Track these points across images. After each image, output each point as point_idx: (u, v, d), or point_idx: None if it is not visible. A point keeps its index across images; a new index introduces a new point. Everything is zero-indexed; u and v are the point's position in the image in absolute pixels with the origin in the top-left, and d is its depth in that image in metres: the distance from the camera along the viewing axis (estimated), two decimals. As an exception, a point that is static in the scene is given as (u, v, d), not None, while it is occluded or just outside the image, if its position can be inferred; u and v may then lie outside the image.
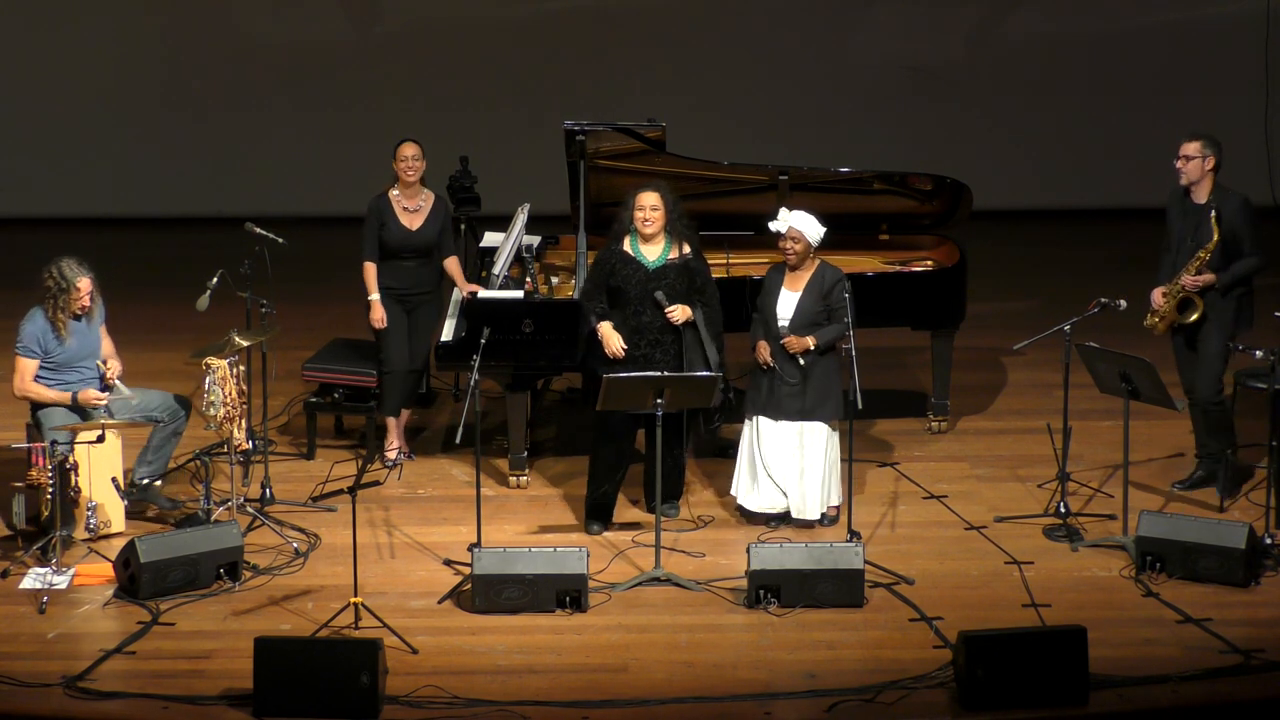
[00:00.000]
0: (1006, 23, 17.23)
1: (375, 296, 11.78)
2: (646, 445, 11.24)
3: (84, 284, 11.03)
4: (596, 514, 11.20)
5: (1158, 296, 11.34)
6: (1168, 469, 11.83)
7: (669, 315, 10.89)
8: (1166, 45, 17.18)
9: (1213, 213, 11.10)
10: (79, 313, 11.08)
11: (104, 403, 10.99)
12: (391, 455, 11.98)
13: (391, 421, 12.03)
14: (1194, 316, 11.19)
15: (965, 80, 17.24)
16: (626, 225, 11.05)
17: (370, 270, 11.79)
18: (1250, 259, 11.22)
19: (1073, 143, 17.20)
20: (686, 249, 11.04)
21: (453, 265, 12.01)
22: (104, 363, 11.16)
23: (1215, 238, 11.09)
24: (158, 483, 11.28)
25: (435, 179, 13.02)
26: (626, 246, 11.01)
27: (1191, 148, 11.26)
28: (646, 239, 10.99)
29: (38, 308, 11.10)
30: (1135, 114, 17.06)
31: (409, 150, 11.77)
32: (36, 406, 11.07)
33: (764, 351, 10.99)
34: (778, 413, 11.04)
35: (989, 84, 17.24)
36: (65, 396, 11.02)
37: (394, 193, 11.79)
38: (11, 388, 11.11)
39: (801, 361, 10.94)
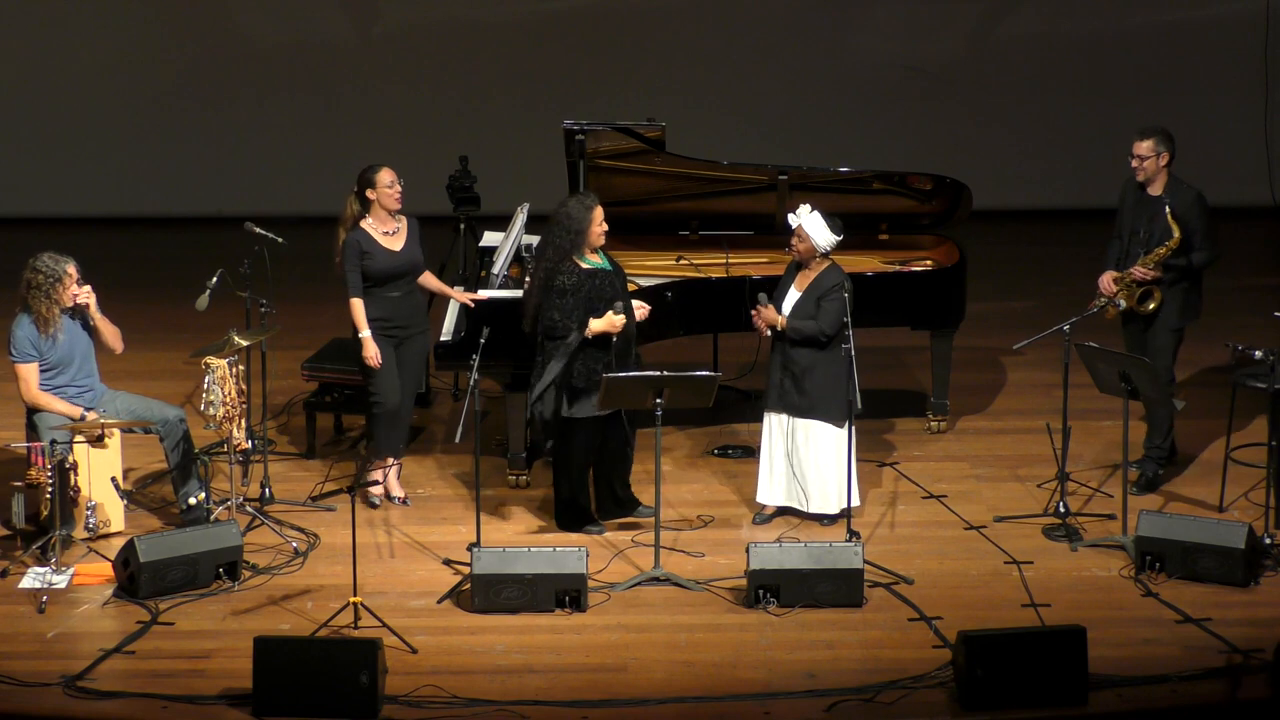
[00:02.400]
0: (1006, 22, 17.23)
1: (366, 334, 11.26)
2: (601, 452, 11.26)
3: (73, 269, 10.97)
4: (581, 519, 11.22)
5: (1107, 282, 11.41)
6: (1167, 469, 11.82)
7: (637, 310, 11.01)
8: (1166, 45, 17.18)
9: (1168, 210, 11.15)
10: (70, 304, 11.02)
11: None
12: (377, 492, 11.53)
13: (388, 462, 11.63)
14: (1152, 306, 11.24)
15: (965, 80, 17.24)
16: (580, 242, 10.92)
17: (358, 307, 11.27)
18: (1201, 253, 11.27)
19: (1073, 142, 17.20)
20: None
21: (430, 279, 11.54)
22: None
23: (1176, 235, 11.14)
24: (200, 495, 11.21)
25: (436, 178, 13.05)
26: (581, 262, 10.93)
27: (1144, 147, 11.37)
28: (595, 250, 11.00)
29: (22, 313, 11.04)
30: (1135, 113, 16.93)
31: (389, 176, 11.28)
32: (33, 409, 11.05)
33: (769, 315, 11.01)
34: (781, 407, 11.07)
35: (989, 84, 17.25)
36: (74, 410, 10.98)
37: (367, 221, 11.30)
38: (19, 393, 11.05)
39: (766, 332, 10.99)
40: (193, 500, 11.14)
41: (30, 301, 11.00)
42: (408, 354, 11.41)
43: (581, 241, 10.90)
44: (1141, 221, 11.38)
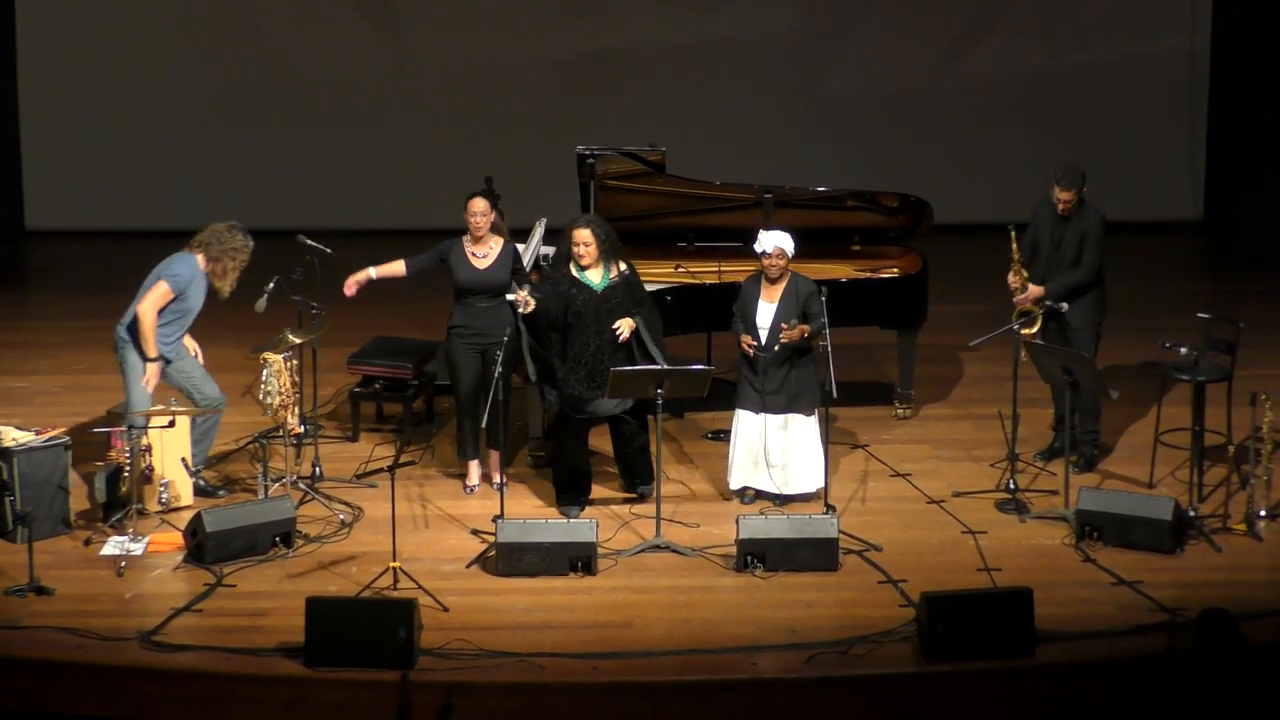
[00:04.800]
0: (965, 59, 17.22)
1: (370, 271, 11.24)
2: (614, 437, 11.21)
3: (247, 258, 11.08)
4: (572, 489, 11.10)
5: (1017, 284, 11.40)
6: (1103, 449, 11.84)
7: (618, 334, 10.77)
8: (1107, 79, 17.18)
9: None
10: (229, 277, 11.04)
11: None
12: (473, 483, 11.39)
13: (473, 465, 11.41)
14: (1036, 327, 11.19)
15: (928, 109, 17.24)
16: (566, 252, 10.93)
17: (395, 264, 11.26)
18: (1082, 270, 11.26)
19: (1023, 163, 17.18)
20: (622, 266, 10.94)
21: None
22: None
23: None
24: (201, 469, 11.27)
25: (463, 195, 13.03)
26: (573, 271, 10.89)
27: (1067, 195, 11.25)
28: (584, 267, 10.92)
29: (196, 254, 11.03)
30: (1078, 138, 17.04)
31: (477, 206, 11.14)
32: (139, 321, 10.95)
33: (748, 340, 10.95)
34: (761, 407, 10.99)
35: (949, 112, 17.24)
36: (153, 353, 10.90)
37: (466, 237, 11.19)
38: (143, 305, 10.94)
39: (775, 348, 10.90)
40: (197, 468, 11.13)
41: (217, 253, 10.98)
42: (491, 360, 11.00)
43: (566, 251, 10.91)
44: (1057, 239, 11.34)
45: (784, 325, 10.87)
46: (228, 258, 11.05)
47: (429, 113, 17.25)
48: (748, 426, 11.07)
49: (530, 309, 10.76)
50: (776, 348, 10.93)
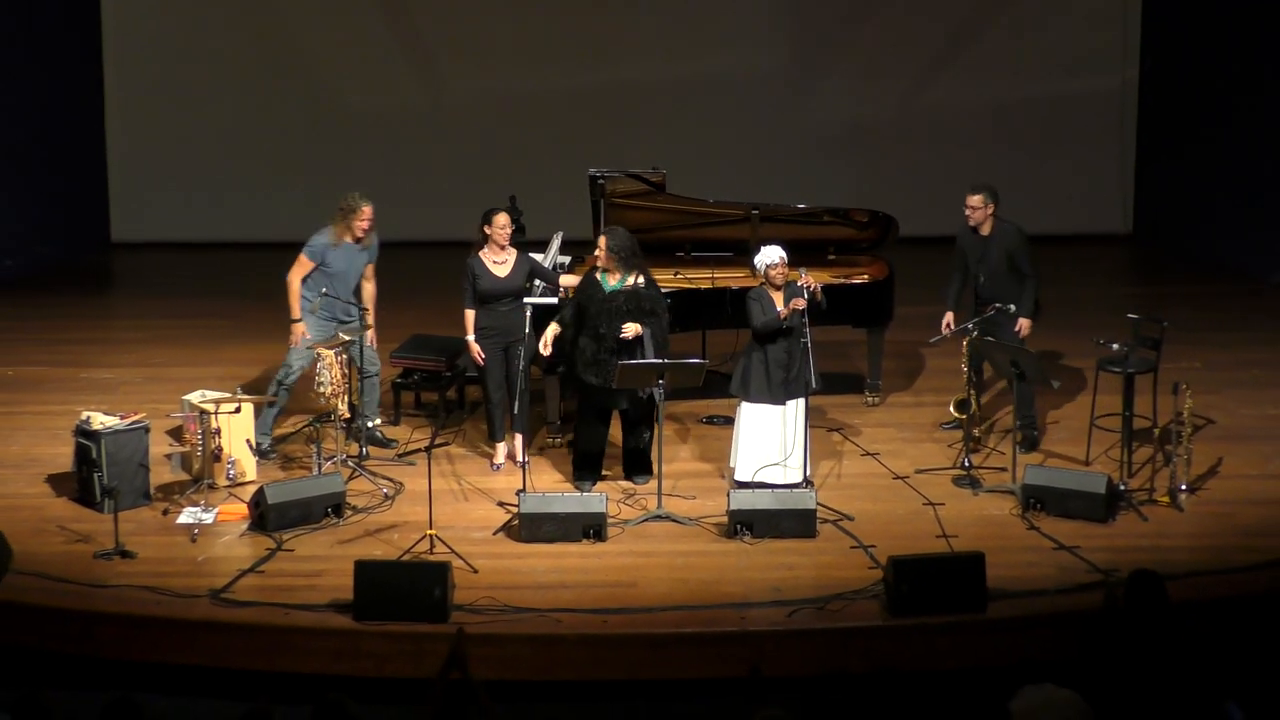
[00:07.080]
0: (926, 92, 17.23)
1: (470, 338, 11.13)
2: (623, 430, 11.13)
3: (368, 209, 11.20)
4: (585, 467, 11.07)
5: (950, 320, 11.38)
6: (1045, 432, 11.86)
7: (623, 332, 10.69)
8: (1048, 108, 17.19)
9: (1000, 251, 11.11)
10: (359, 235, 11.17)
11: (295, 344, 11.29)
12: (499, 460, 11.41)
13: (499, 446, 11.44)
14: (972, 410, 11.18)
15: (894, 135, 17.25)
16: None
17: (469, 316, 11.15)
18: (1031, 280, 11.28)
19: (978, 182, 17.20)
20: (640, 280, 10.84)
21: (569, 280, 11.43)
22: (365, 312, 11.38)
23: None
24: (378, 420, 11.44)
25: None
26: (598, 273, 10.88)
27: (976, 200, 11.32)
28: (606, 270, 10.83)
29: (329, 226, 11.27)
30: (1024, 160, 17.06)
31: (502, 220, 11.15)
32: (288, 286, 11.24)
33: (799, 302, 10.62)
34: (771, 396, 10.79)
35: (913, 138, 17.24)
36: (295, 315, 11.23)
37: (484, 251, 11.16)
38: (290, 273, 11.28)
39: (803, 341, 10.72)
40: (370, 424, 11.28)
41: (334, 220, 11.24)
42: (512, 355, 11.12)
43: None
44: (974, 257, 11.39)
45: (800, 293, 10.68)
46: (342, 218, 11.24)
47: (460, 139, 17.26)
48: (765, 420, 10.83)
49: (549, 351, 10.79)
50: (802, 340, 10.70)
